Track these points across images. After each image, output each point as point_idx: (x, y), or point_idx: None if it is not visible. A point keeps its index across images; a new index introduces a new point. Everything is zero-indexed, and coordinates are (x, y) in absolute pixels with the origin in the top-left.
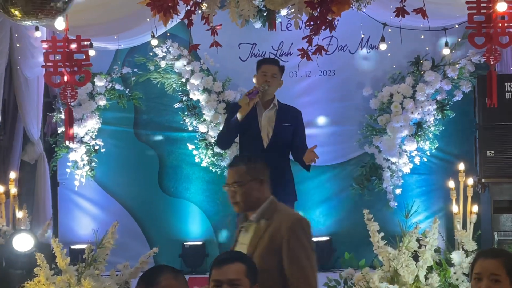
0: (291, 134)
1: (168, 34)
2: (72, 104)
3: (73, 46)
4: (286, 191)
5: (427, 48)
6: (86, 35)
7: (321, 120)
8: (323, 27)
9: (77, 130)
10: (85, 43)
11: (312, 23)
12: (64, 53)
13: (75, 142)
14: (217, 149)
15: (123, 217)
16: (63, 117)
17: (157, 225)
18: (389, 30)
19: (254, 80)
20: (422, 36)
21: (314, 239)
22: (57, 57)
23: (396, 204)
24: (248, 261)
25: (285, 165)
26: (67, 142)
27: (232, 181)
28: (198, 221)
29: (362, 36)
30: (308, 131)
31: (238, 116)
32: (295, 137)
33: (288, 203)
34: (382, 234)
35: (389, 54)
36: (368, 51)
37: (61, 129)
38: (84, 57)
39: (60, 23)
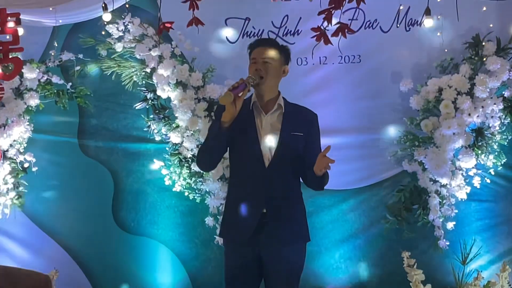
0: (301, 148)
1: (127, 6)
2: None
3: None
4: (294, 229)
5: (490, 25)
6: (10, 6)
7: (342, 125)
8: None
9: None
10: (12, 18)
11: None
12: None
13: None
14: (195, 167)
15: (63, 263)
16: None
17: (111, 274)
18: None
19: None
20: (484, 8)
21: None
22: None
23: (448, 243)
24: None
25: (294, 192)
26: None
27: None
28: (169, 268)
29: (400, 7)
30: (323, 141)
31: (223, 122)
32: (308, 152)
33: (295, 245)
34: (429, 286)
35: (438, 34)
36: (408, 29)
37: None
38: (12, 38)
39: None
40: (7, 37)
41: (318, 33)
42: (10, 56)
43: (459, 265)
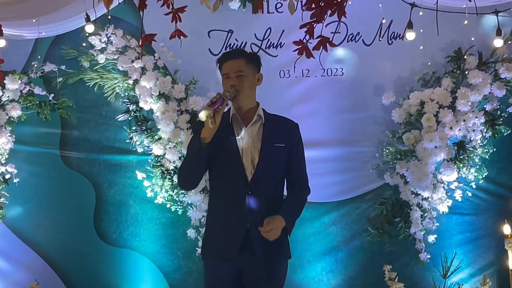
0: (285, 159)
1: (110, 17)
2: None
3: None
4: (278, 246)
5: (472, 39)
6: None
7: (324, 138)
8: (329, 12)
9: None
10: None
11: (313, 5)
12: None
13: None
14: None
15: (44, 274)
16: None
17: (92, 286)
18: (420, 13)
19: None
20: (466, 22)
21: None
22: None
23: (429, 256)
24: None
25: (277, 207)
26: None
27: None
28: (150, 280)
29: (383, 21)
30: (306, 154)
31: (203, 139)
32: (291, 163)
33: (279, 263)
34: None
35: (421, 47)
36: (390, 42)
37: None
38: None
39: None
40: None
41: (300, 46)
42: None
43: (440, 279)
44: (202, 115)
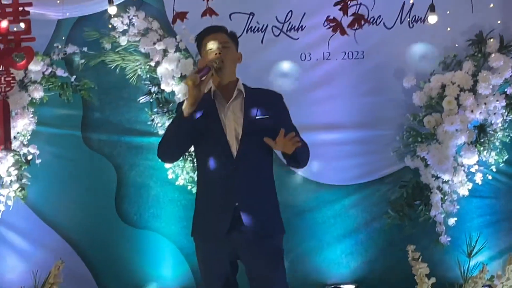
0: (271, 131)
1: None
2: (8, 95)
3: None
4: (270, 220)
5: (498, 22)
6: None
7: (345, 121)
8: None
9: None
10: (25, 8)
11: None
12: None
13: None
14: None
15: (66, 255)
16: None
17: (113, 268)
18: None
19: (199, 66)
20: (492, 5)
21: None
22: None
23: (449, 239)
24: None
25: (266, 182)
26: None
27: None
28: (171, 261)
29: (403, 3)
30: (326, 136)
31: (186, 108)
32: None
33: (272, 239)
34: (433, 279)
35: (443, 30)
36: (411, 25)
37: None
38: (24, 27)
39: None
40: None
41: (334, 23)
42: (21, 45)
43: (464, 259)
44: (188, 81)
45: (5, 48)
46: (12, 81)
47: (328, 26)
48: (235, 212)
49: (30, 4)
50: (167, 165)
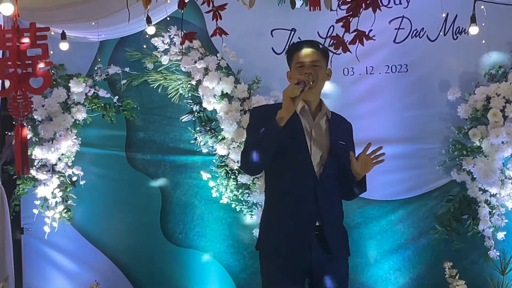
0: (344, 157)
1: (168, 19)
2: (24, 119)
3: (26, 39)
4: (344, 243)
5: None
6: (46, 21)
7: (389, 135)
8: (363, 5)
9: (47, 155)
10: (43, 33)
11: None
12: (14, 48)
13: (37, 172)
14: (242, 179)
15: (111, 274)
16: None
17: (159, 287)
18: (482, 7)
19: (288, 80)
20: None
21: None
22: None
23: (498, 254)
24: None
25: (340, 204)
26: (22, 174)
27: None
28: (217, 280)
29: (444, 15)
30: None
31: (279, 119)
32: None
33: (344, 259)
34: None
35: (483, 41)
36: (455, 37)
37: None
38: (41, 52)
39: (7, 7)
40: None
41: (336, 41)
42: (38, 69)
43: (497, 275)
44: (291, 92)
45: (23, 73)
46: (30, 106)
47: (331, 42)
48: (316, 231)
49: (47, 29)
50: (211, 184)
